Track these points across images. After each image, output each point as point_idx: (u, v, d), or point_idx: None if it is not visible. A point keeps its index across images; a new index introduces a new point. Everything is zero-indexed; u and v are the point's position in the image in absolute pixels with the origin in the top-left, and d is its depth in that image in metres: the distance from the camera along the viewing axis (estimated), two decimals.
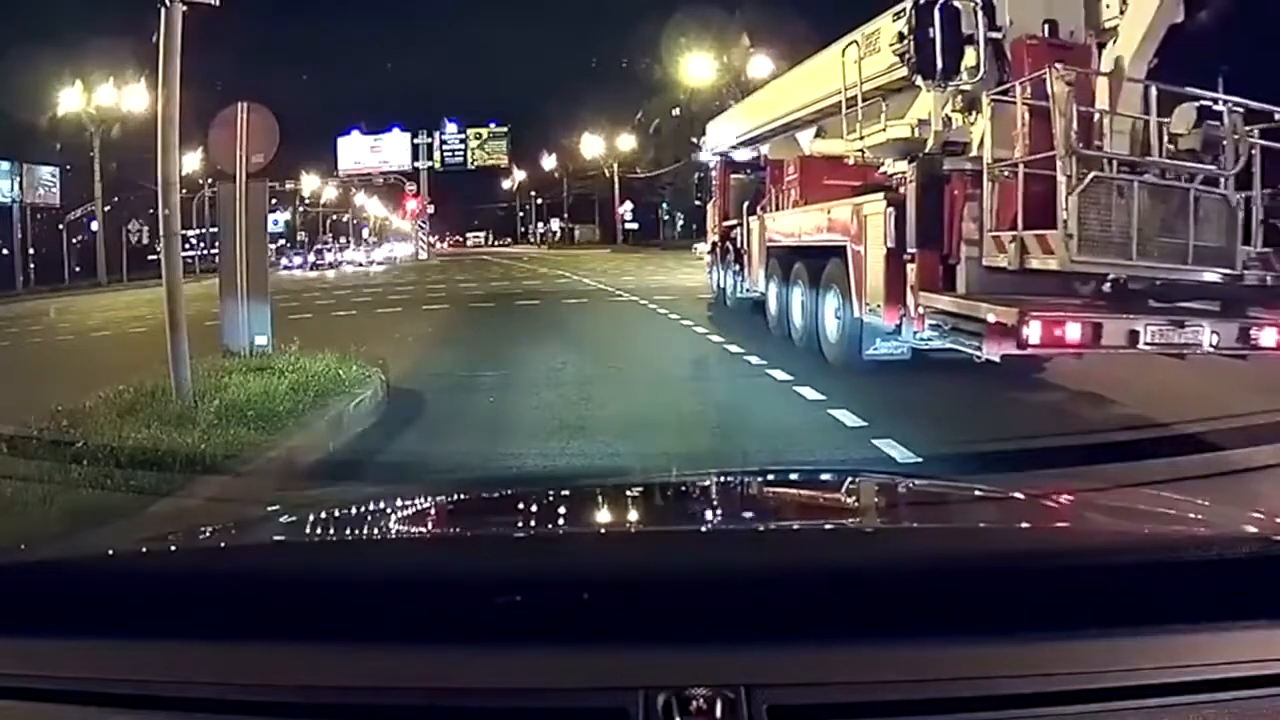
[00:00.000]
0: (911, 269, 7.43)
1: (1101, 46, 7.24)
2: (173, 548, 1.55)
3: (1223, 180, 6.53)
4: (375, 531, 1.71)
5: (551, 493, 2.04)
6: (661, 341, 12.43)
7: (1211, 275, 6.38)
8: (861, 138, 8.63)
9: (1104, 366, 7.21)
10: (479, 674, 1.06)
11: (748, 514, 1.92)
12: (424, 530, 1.77)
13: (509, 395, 8.07)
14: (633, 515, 1.85)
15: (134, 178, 38.58)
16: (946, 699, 1.03)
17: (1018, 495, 1.91)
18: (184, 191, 11.16)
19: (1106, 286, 6.37)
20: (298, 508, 2.23)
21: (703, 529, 1.69)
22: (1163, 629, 1.10)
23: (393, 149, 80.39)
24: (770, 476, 2.36)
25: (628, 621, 1.10)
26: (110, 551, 1.55)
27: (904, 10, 7.61)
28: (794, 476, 2.24)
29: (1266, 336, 6.23)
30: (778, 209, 11.78)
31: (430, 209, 79.51)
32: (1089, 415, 6.85)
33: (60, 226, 47.64)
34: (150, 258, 36.87)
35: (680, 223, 61.91)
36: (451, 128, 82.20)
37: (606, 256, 48.30)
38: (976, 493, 2.03)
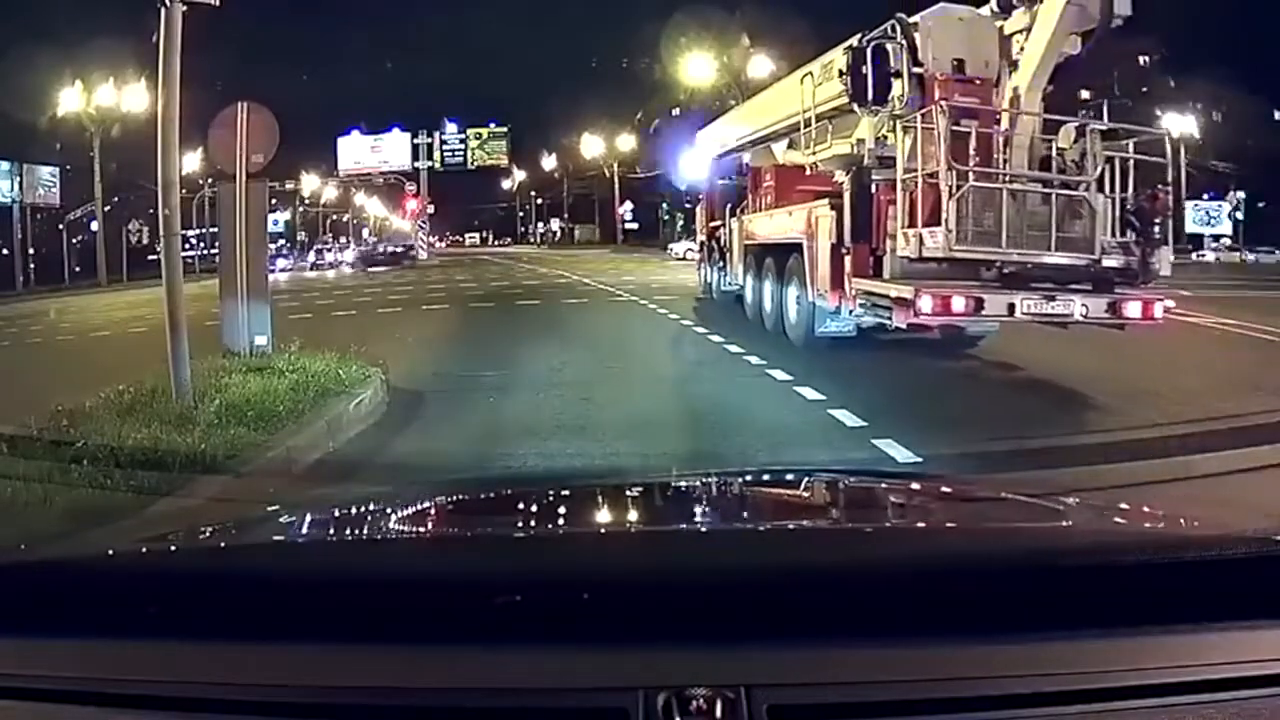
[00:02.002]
0: (848, 260, 9.16)
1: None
2: (173, 548, 1.55)
3: (1086, 185, 8.07)
4: (375, 531, 1.71)
5: (551, 493, 2.04)
6: (659, 340, 12.68)
7: (1076, 260, 7.97)
8: (814, 152, 10.27)
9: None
10: (479, 674, 1.06)
11: (748, 514, 1.92)
12: (424, 530, 1.77)
13: (509, 395, 8.07)
14: (633, 515, 1.85)
15: (134, 178, 38.62)
16: (946, 699, 1.03)
17: (1018, 495, 1.91)
18: (184, 191, 11.15)
19: (1006, 270, 7.97)
20: (298, 508, 2.23)
21: (703, 529, 1.69)
22: (1163, 629, 1.10)
23: (393, 149, 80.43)
24: (770, 477, 2.36)
25: (628, 621, 1.10)
26: (110, 551, 1.55)
27: (850, 46, 9.11)
28: (794, 477, 2.24)
29: (1131, 308, 7.88)
30: (755, 211, 13.39)
31: (430, 209, 79.56)
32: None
33: (60, 226, 47.67)
34: (150, 258, 36.88)
35: (680, 223, 61.91)
36: (451, 128, 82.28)
37: (606, 256, 48.34)
38: (976, 493, 2.03)
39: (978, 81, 8.73)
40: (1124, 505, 1.88)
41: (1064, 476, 4.32)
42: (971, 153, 7.97)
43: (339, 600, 1.15)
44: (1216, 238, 50.72)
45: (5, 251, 45.53)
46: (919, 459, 5.50)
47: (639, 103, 65.10)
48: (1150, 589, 1.14)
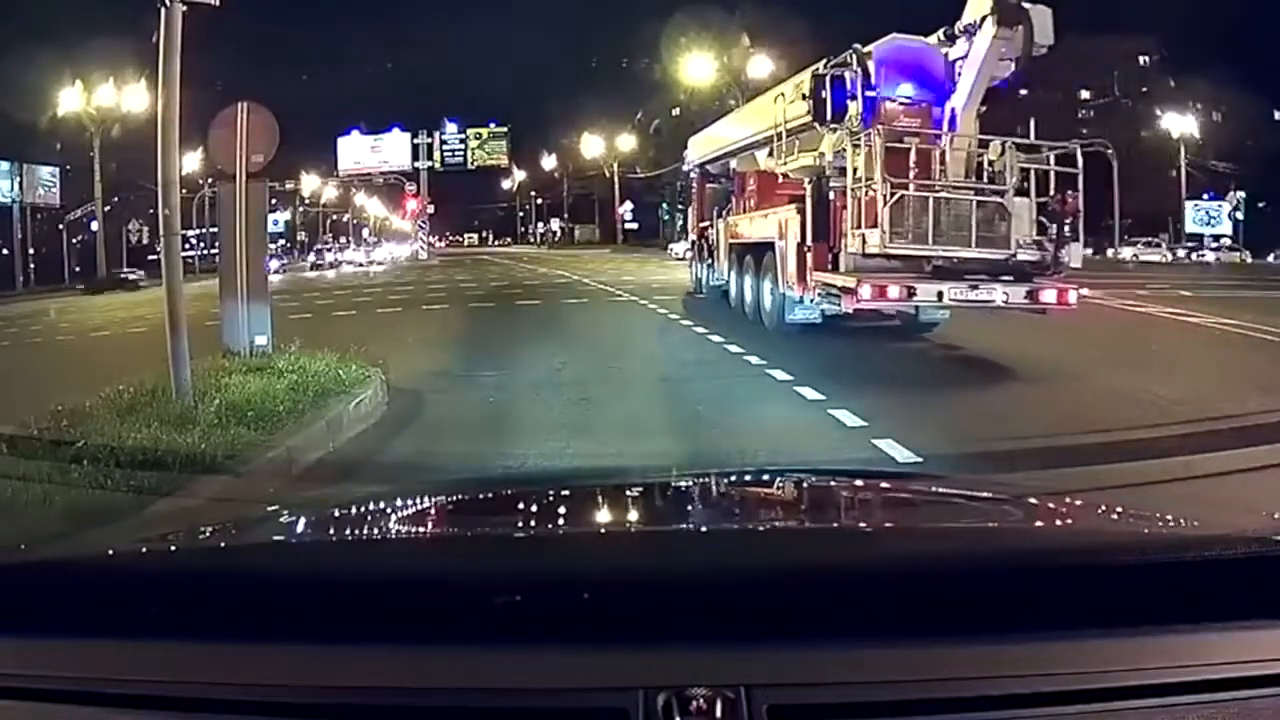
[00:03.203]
0: (810, 256, 10.61)
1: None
2: (173, 548, 1.55)
3: (1006, 192, 9.47)
4: (375, 531, 1.71)
5: (551, 493, 2.04)
6: (657, 337, 12.84)
7: (995, 255, 9.35)
8: (786, 162, 11.93)
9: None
10: (479, 674, 1.06)
11: (748, 514, 1.92)
12: (424, 530, 1.77)
13: (509, 395, 8.07)
14: (633, 515, 1.85)
15: (134, 178, 38.59)
16: (946, 699, 1.03)
17: (1017, 495, 1.91)
18: (184, 191, 11.15)
19: (939, 264, 9.30)
20: (298, 508, 2.23)
21: (703, 529, 1.69)
22: (1163, 629, 1.10)
23: (393, 149, 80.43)
24: (769, 477, 2.36)
25: (628, 621, 1.10)
26: (110, 551, 1.55)
27: (814, 72, 10.67)
28: (793, 476, 2.24)
29: (1047, 295, 9.36)
30: (739, 214, 14.84)
31: (430, 209, 79.58)
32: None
33: (60, 226, 47.66)
34: (150, 258, 36.95)
35: (680, 223, 61.92)
36: (451, 128, 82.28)
37: (606, 256, 48.34)
38: (976, 493, 2.03)
39: (921, 104, 10.34)
40: (1124, 505, 1.88)
41: (1064, 476, 4.33)
42: (912, 164, 9.56)
43: (339, 600, 1.15)
44: (1216, 238, 50.73)
45: (5, 251, 45.54)
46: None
47: (639, 103, 65.21)
48: (1150, 589, 1.14)
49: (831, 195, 10.35)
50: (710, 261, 16.48)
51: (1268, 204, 53.16)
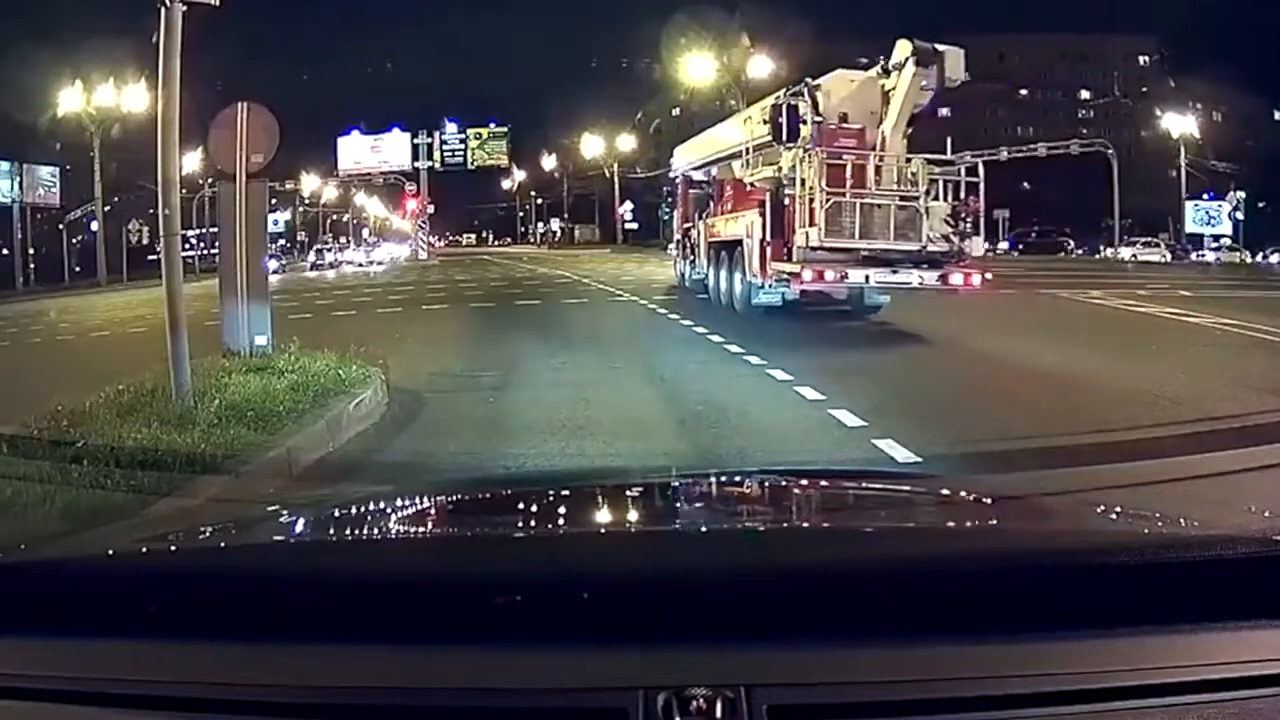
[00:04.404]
0: (769, 250, 13.00)
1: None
2: (173, 548, 1.55)
3: (919, 197, 12.01)
4: (375, 531, 1.71)
5: (551, 493, 2.04)
6: (657, 336, 12.94)
7: (909, 247, 11.90)
8: (753, 173, 14.30)
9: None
10: (479, 674, 1.06)
11: (747, 514, 1.92)
12: (424, 530, 1.77)
13: (509, 395, 8.07)
14: (633, 515, 1.85)
15: (134, 178, 38.59)
16: (946, 699, 1.03)
17: (1017, 495, 1.91)
18: (184, 191, 11.15)
19: (866, 255, 11.89)
20: (298, 508, 2.23)
21: (703, 529, 1.69)
22: (1163, 629, 1.10)
23: (393, 149, 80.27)
24: (769, 477, 2.36)
25: (628, 621, 1.10)
26: (110, 551, 1.55)
27: (774, 101, 13.39)
28: (794, 477, 2.24)
29: (955, 278, 11.96)
30: (715, 216, 17.02)
31: (430, 209, 79.46)
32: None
33: (60, 226, 47.63)
34: (150, 258, 36.87)
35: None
36: (451, 128, 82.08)
37: (606, 256, 48.26)
38: (976, 493, 2.03)
39: (857, 127, 12.75)
40: (1123, 505, 1.88)
41: (1064, 476, 4.33)
42: (849, 176, 12.04)
43: (339, 600, 1.15)
44: (1216, 238, 50.67)
45: (5, 251, 45.51)
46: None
47: (639, 103, 65.24)
48: (1150, 589, 1.14)
49: (786, 201, 12.76)
50: (692, 258, 18.57)
51: (1268, 204, 53.13)
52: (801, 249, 12.05)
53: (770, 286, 13.06)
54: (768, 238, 12.98)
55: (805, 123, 12.44)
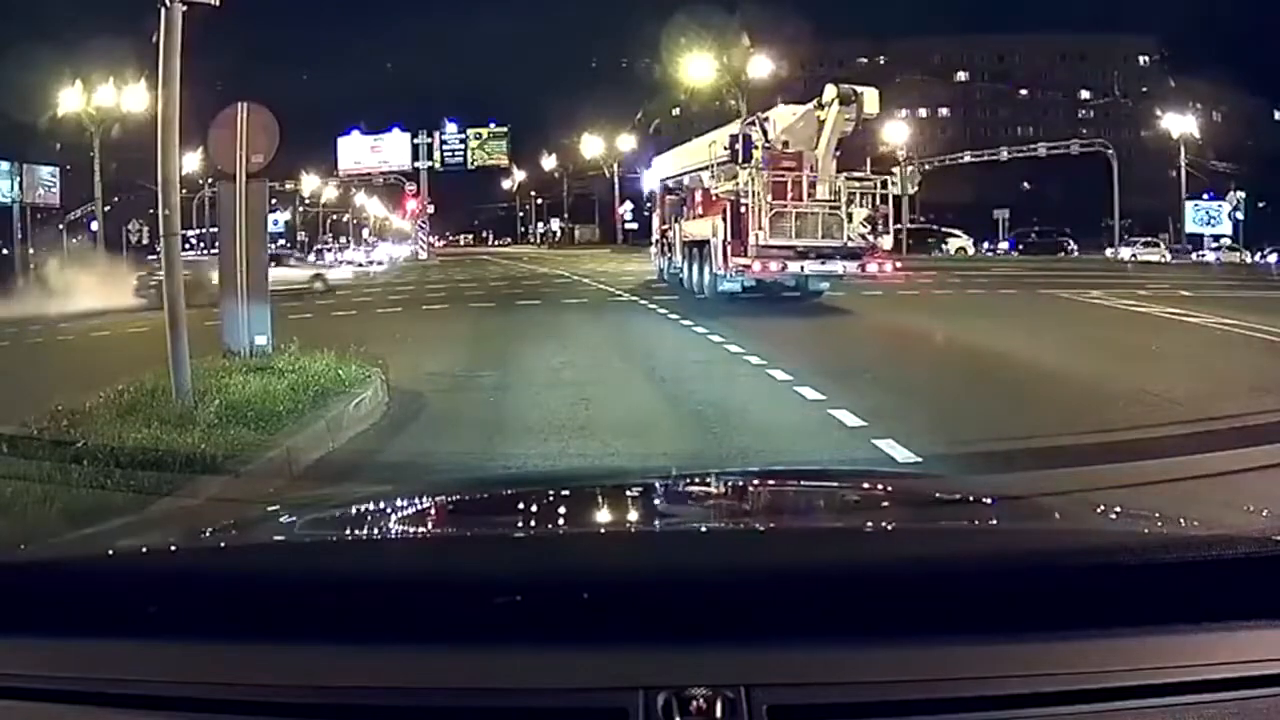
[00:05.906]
0: (729, 247, 16.30)
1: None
2: (173, 548, 1.55)
3: (841, 205, 16.01)
4: (375, 531, 1.71)
5: (551, 493, 2.04)
6: (656, 335, 12.87)
7: (834, 244, 15.81)
8: (718, 186, 18.07)
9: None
10: (479, 674, 1.06)
11: (748, 514, 1.92)
12: (424, 530, 1.77)
13: (509, 395, 8.07)
14: (633, 515, 1.85)
15: (134, 178, 38.52)
16: (946, 699, 1.03)
17: (1017, 495, 1.91)
18: (184, 191, 11.15)
19: (801, 250, 15.65)
20: (298, 508, 2.23)
21: (703, 529, 1.69)
22: (1163, 629, 1.10)
23: (393, 149, 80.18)
24: (769, 477, 2.36)
25: (628, 621, 1.10)
26: (110, 551, 1.55)
27: (734, 131, 17.60)
28: (794, 477, 2.24)
29: (872, 267, 16.20)
30: (688, 220, 20.30)
31: (430, 209, 79.38)
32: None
33: (60, 226, 47.59)
34: (150, 258, 36.82)
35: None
36: (451, 128, 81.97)
37: (606, 256, 48.21)
38: (976, 493, 2.03)
39: (797, 150, 16.34)
40: (1123, 505, 1.88)
41: (1064, 476, 4.33)
42: (789, 190, 15.81)
43: (339, 600, 1.15)
44: (1216, 238, 50.64)
45: (5, 251, 45.46)
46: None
47: (639, 103, 65.12)
48: (1150, 589, 1.14)
49: (743, 209, 16.10)
50: (670, 255, 21.87)
51: (1268, 204, 53.11)
52: (754, 246, 15.65)
53: (731, 276, 16.41)
54: (729, 238, 16.33)
55: (757, 148, 16.34)
